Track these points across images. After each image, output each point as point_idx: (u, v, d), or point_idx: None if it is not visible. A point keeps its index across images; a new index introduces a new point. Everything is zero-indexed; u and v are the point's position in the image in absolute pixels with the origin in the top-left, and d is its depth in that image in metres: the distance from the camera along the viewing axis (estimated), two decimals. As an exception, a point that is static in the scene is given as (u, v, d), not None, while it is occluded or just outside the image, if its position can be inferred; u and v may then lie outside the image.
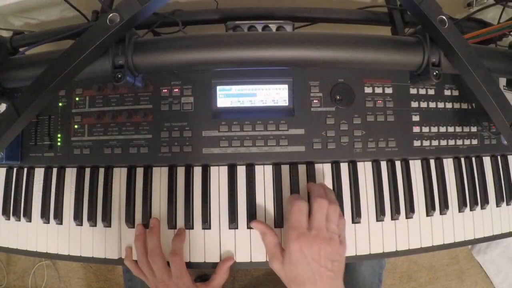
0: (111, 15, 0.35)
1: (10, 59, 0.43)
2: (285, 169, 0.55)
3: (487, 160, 0.60)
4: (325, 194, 0.48)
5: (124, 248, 0.53)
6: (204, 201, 0.53)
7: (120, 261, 0.53)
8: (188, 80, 0.54)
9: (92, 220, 0.54)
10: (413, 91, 0.56)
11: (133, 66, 0.38)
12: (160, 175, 0.54)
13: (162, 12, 0.59)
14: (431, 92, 0.57)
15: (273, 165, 0.55)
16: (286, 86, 0.54)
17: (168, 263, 0.50)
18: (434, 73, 0.39)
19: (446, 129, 0.57)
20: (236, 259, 0.52)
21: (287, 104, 0.54)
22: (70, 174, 0.56)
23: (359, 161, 0.55)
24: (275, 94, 0.54)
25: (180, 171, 0.54)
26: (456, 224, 0.56)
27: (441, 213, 0.56)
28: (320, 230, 0.44)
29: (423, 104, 0.56)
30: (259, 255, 0.52)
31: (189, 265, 0.52)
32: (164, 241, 0.52)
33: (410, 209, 0.54)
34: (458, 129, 0.57)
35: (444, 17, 0.37)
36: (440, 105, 0.57)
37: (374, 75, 0.55)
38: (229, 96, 0.54)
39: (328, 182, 0.54)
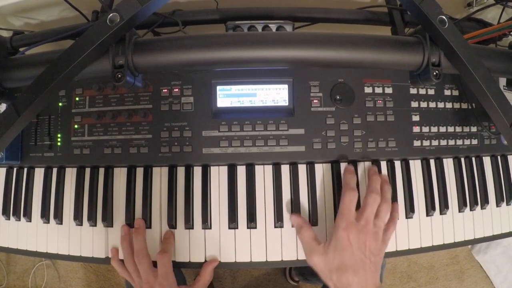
0: (111, 15, 0.35)
1: (10, 59, 0.43)
2: (285, 169, 0.55)
3: (487, 160, 0.60)
4: (381, 191, 0.49)
5: (110, 249, 0.53)
6: (204, 201, 0.53)
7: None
8: (188, 80, 0.54)
9: (92, 220, 0.54)
10: (413, 91, 0.56)
11: (133, 66, 0.38)
12: (160, 175, 0.54)
13: (162, 12, 0.59)
14: (431, 92, 0.57)
15: (273, 165, 0.55)
16: (286, 86, 0.54)
17: (154, 264, 0.50)
18: (434, 73, 0.39)
19: (446, 129, 0.57)
20: (236, 259, 0.52)
21: (287, 104, 0.54)
22: (70, 174, 0.56)
23: (359, 161, 0.55)
24: (275, 94, 0.54)
25: (180, 171, 0.54)
26: (456, 224, 0.56)
27: (441, 213, 0.56)
28: (368, 223, 0.46)
29: (423, 104, 0.56)
30: (259, 255, 0.52)
31: (190, 264, 0.52)
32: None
33: (410, 209, 0.54)
34: (458, 129, 0.57)
35: (444, 17, 0.37)
36: (440, 105, 0.57)
37: (374, 75, 0.55)
38: (229, 96, 0.54)
39: (328, 182, 0.55)
